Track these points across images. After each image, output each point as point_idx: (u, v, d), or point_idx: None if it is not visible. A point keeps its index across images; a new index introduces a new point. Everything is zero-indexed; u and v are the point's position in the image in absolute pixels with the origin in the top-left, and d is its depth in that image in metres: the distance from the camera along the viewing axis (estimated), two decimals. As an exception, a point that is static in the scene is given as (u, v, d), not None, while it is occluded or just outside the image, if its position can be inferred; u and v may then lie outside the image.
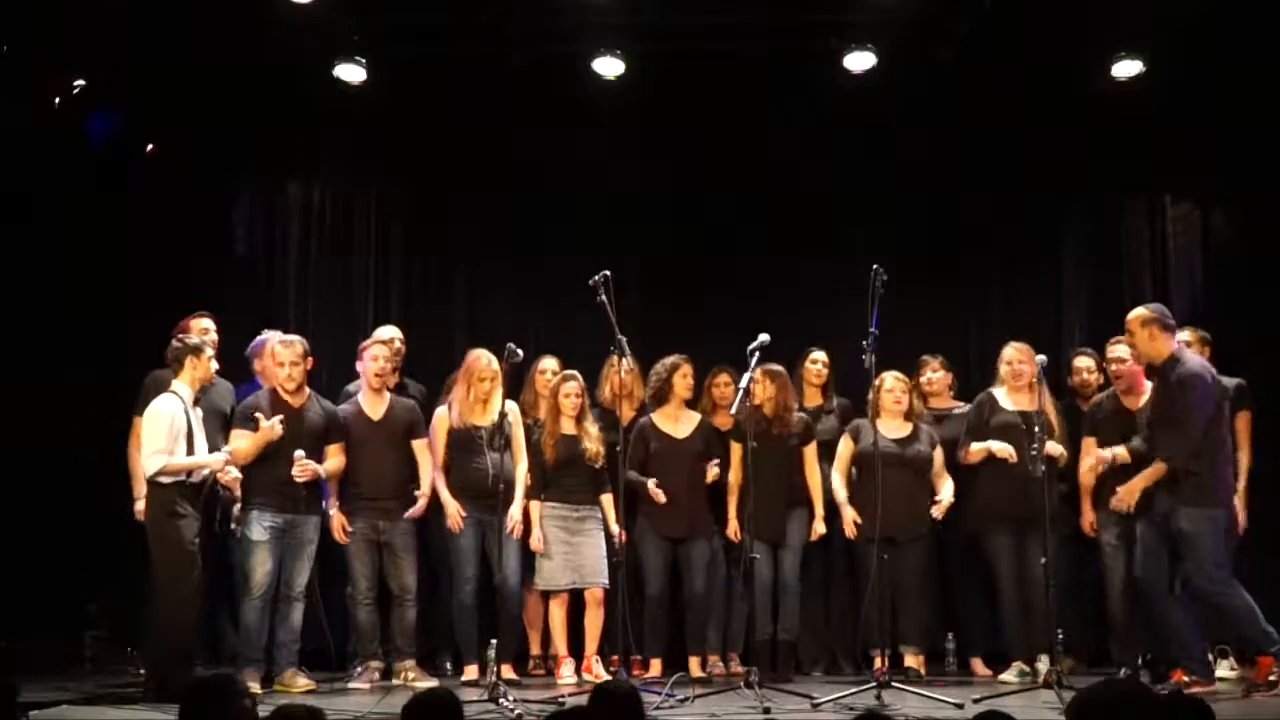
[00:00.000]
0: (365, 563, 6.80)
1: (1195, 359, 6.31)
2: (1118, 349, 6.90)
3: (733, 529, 7.03)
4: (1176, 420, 6.16)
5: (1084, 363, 7.40)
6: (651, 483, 6.92)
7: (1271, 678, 5.98)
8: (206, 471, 6.30)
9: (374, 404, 6.92)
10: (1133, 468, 6.45)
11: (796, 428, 7.11)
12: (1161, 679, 6.37)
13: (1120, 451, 6.52)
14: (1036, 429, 6.50)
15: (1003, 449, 6.83)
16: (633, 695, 3.94)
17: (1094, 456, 6.67)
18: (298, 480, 6.50)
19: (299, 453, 6.50)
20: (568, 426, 7.01)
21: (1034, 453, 6.45)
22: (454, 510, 6.78)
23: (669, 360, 7.18)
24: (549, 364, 7.41)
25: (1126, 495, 6.33)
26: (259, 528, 6.52)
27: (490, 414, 6.75)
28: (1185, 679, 6.17)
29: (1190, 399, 6.12)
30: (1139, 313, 6.38)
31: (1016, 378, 6.98)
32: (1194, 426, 6.12)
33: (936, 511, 6.97)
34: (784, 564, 7.02)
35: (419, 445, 6.91)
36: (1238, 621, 6.13)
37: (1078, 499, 7.04)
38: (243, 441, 6.54)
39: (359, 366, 7.00)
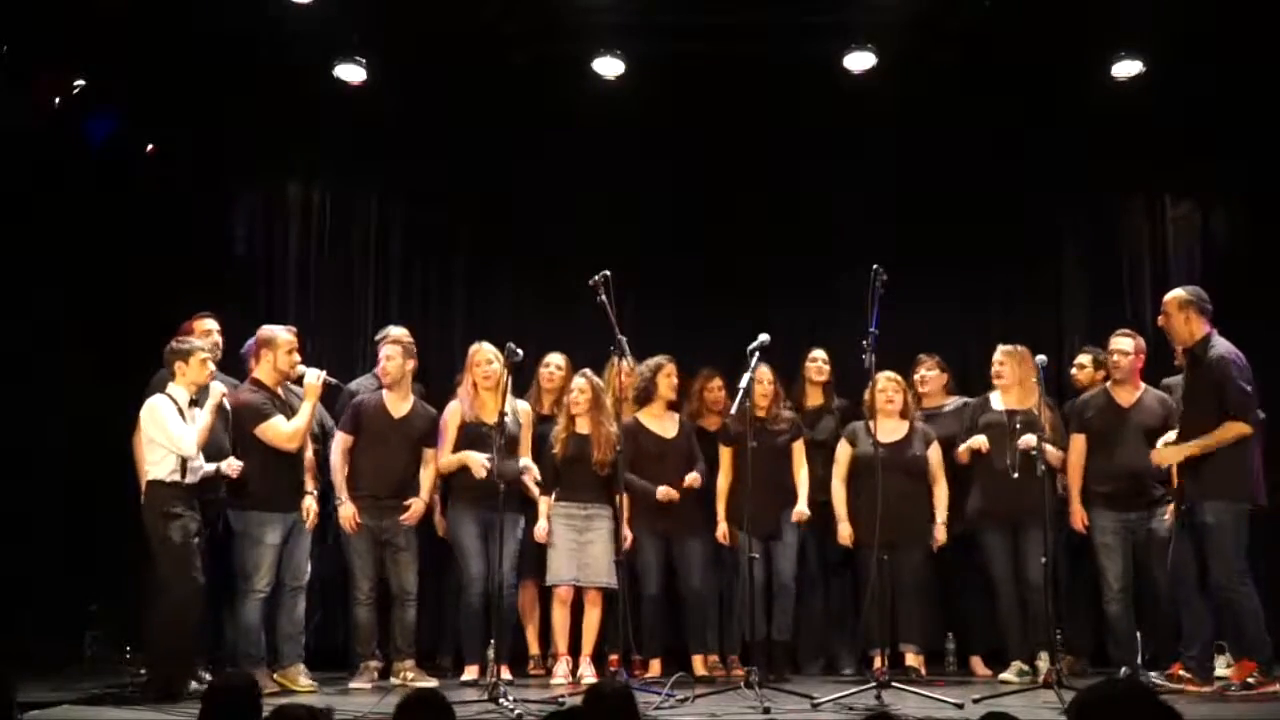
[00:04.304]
0: (368, 562, 6.81)
1: (1225, 343, 6.26)
2: (1120, 341, 6.90)
3: (721, 531, 7.02)
4: (1215, 398, 6.12)
5: (1082, 359, 7.41)
6: (661, 490, 6.91)
7: (1250, 680, 6.00)
8: (208, 469, 6.29)
9: (398, 402, 6.92)
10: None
11: (786, 424, 7.13)
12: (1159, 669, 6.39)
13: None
14: (1018, 427, 6.61)
15: (978, 440, 6.91)
16: (626, 695, 3.94)
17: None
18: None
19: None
20: (581, 425, 7.00)
21: (1035, 452, 6.44)
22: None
23: (653, 361, 7.17)
24: (553, 359, 7.40)
25: (1173, 453, 6.27)
26: (263, 528, 6.51)
27: (497, 412, 6.73)
28: (1181, 673, 6.18)
29: (1228, 372, 6.09)
30: (1177, 294, 6.37)
31: (996, 378, 7.09)
32: (1239, 398, 6.08)
33: (938, 535, 6.99)
34: (779, 563, 7.02)
35: (429, 454, 6.91)
36: (1242, 623, 6.12)
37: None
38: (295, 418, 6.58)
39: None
